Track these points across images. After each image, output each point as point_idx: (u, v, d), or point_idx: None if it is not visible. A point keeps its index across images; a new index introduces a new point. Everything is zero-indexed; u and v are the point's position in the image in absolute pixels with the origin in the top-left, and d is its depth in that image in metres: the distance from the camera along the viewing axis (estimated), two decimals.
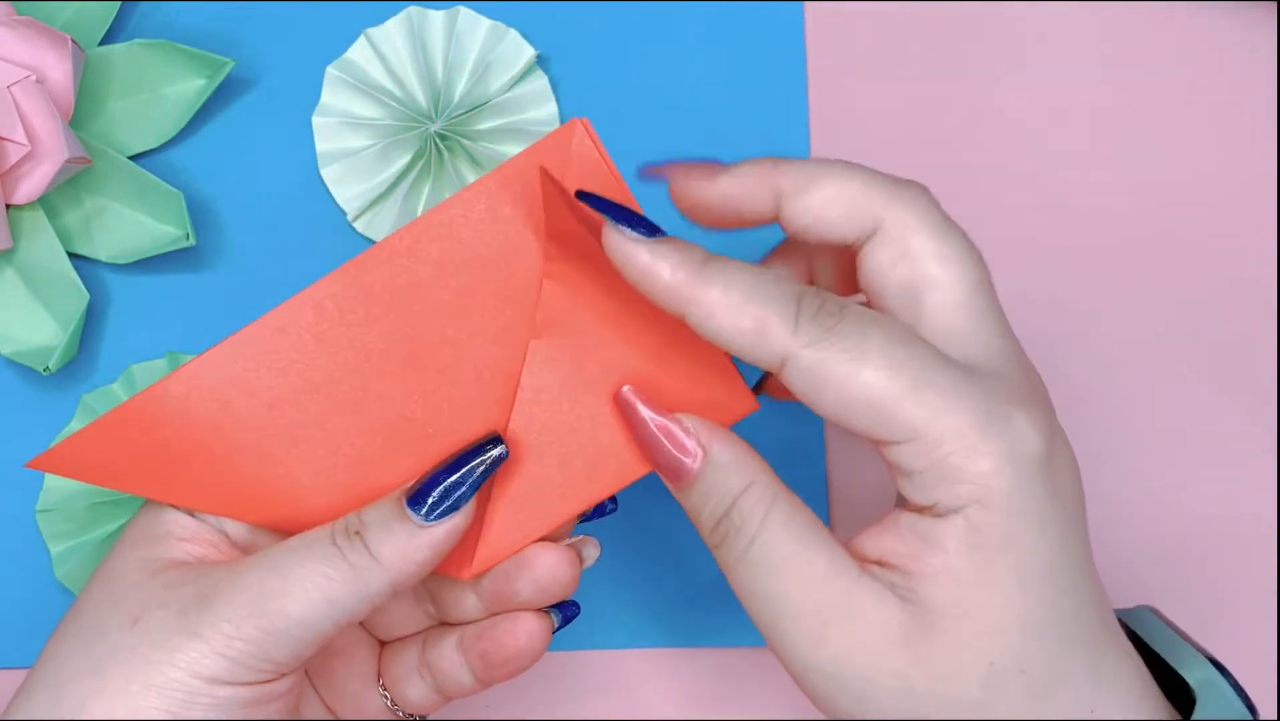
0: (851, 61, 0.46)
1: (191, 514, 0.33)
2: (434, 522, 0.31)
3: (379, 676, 0.36)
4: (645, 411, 0.32)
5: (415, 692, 0.35)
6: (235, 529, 0.33)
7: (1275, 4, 0.46)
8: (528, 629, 0.34)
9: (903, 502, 0.30)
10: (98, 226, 0.43)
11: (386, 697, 0.35)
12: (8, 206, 0.41)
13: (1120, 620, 0.33)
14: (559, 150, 0.31)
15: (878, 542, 0.30)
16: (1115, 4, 0.46)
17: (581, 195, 0.30)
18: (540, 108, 0.44)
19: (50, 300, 0.42)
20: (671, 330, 0.31)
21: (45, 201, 0.42)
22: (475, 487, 0.31)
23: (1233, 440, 0.44)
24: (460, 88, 0.44)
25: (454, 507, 0.31)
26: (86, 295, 0.42)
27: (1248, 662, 0.43)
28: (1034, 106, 0.46)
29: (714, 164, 0.32)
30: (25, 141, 0.40)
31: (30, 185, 0.41)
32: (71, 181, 0.42)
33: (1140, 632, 0.33)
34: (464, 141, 0.44)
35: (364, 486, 0.33)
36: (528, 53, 0.44)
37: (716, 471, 0.31)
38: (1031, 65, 0.46)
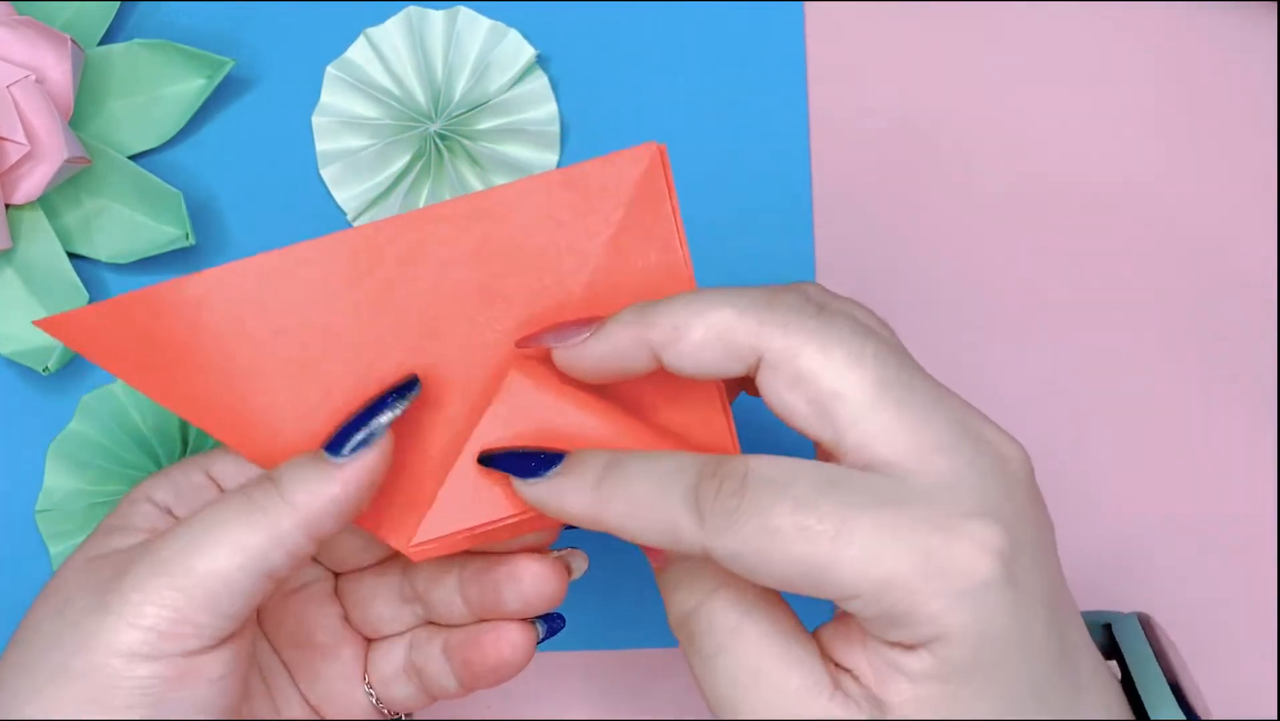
0: (851, 61, 0.46)
1: (169, 513, 0.33)
2: (346, 458, 0.30)
3: (365, 675, 0.36)
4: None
5: (401, 691, 0.35)
6: None
7: (1275, 4, 0.46)
8: (511, 640, 0.33)
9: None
10: (97, 226, 0.43)
11: (372, 695, 0.35)
12: (7, 206, 0.41)
13: (1109, 625, 0.33)
14: (629, 169, 0.31)
15: (847, 650, 0.29)
16: (1115, 4, 0.46)
17: (484, 459, 0.31)
18: (540, 108, 0.44)
19: (50, 300, 0.42)
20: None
21: (45, 201, 0.42)
22: (389, 422, 0.31)
23: (1233, 440, 0.44)
24: (460, 87, 0.44)
25: (365, 443, 0.30)
26: (86, 295, 0.42)
27: (1248, 663, 0.43)
28: (1034, 106, 0.46)
29: (585, 324, 0.31)
30: (25, 141, 0.40)
31: (30, 185, 0.41)
32: (71, 181, 0.42)
33: (1124, 650, 0.32)
34: (464, 141, 0.44)
35: None
36: (528, 53, 0.44)
37: (682, 566, 0.30)
38: (1031, 65, 0.46)
